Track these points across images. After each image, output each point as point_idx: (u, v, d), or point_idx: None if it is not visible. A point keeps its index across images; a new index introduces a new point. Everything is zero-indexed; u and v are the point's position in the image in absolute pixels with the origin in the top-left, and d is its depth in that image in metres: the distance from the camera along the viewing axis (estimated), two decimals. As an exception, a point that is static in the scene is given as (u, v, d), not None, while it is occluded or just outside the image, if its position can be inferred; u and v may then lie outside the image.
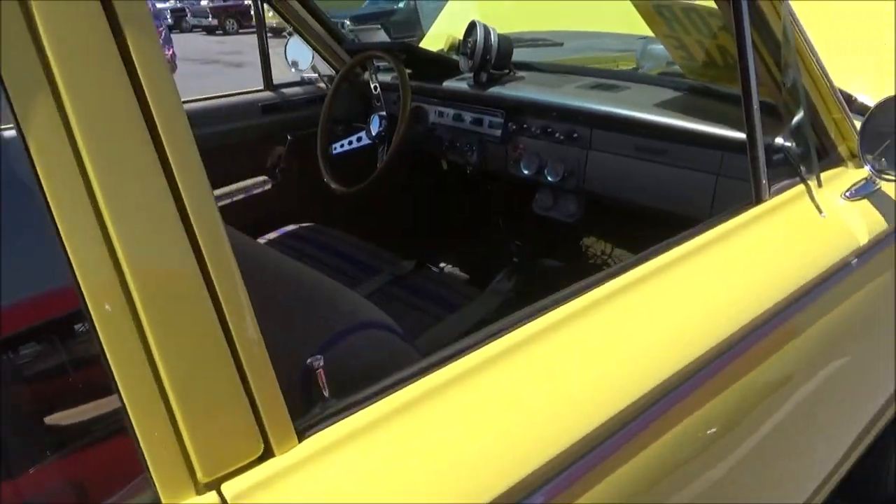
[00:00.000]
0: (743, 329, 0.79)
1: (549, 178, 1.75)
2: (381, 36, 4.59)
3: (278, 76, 2.10)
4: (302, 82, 2.16)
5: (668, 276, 0.80)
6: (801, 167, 1.03)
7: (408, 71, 1.86)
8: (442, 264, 2.14)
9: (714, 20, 1.24)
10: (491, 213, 2.19)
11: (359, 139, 1.99)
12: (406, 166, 2.06)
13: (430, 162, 2.09)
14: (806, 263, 0.95)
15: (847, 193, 1.06)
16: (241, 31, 16.56)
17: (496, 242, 2.15)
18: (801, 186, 1.02)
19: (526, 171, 1.80)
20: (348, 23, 11.27)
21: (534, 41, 2.05)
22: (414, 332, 1.25)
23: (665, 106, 1.50)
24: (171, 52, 4.16)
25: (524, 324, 0.66)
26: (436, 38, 2.38)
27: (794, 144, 1.03)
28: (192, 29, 17.59)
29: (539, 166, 1.77)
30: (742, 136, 0.95)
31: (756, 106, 0.93)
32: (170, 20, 16.12)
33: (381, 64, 2.00)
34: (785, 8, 0.97)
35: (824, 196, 1.03)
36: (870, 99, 1.37)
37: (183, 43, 8.04)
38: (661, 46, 1.60)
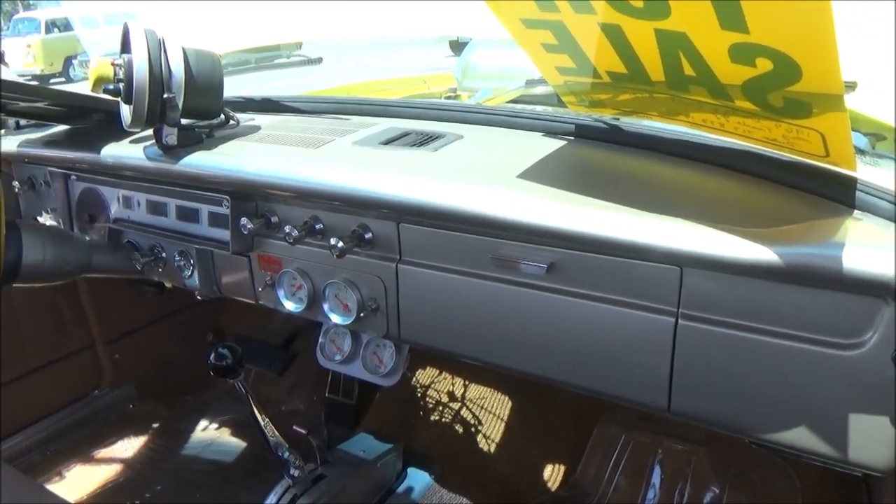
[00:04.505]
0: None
1: (335, 318, 0.92)
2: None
3: None
4: None
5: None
6: None
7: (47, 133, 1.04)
8: None
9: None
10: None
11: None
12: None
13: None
14: None
15: None
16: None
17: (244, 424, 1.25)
18: None
19: (288, 304, 0.96)
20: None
21: (270, 59, 1.17)
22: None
23: (543, 177, 0.73)
24: None
25: None
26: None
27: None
28: None
29: (311, 295, 0.93)
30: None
31: None
32: None
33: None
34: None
35: None
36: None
37: None
38: (501, 58, 0.81)
